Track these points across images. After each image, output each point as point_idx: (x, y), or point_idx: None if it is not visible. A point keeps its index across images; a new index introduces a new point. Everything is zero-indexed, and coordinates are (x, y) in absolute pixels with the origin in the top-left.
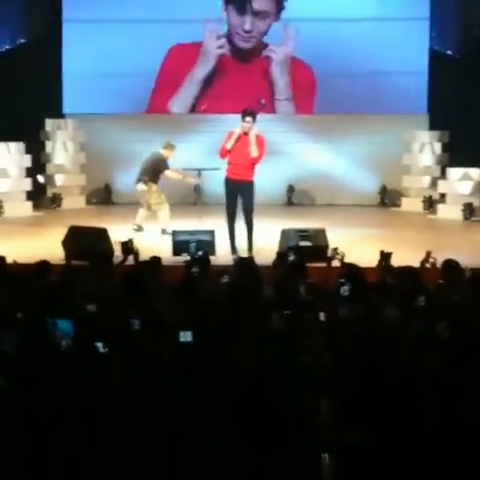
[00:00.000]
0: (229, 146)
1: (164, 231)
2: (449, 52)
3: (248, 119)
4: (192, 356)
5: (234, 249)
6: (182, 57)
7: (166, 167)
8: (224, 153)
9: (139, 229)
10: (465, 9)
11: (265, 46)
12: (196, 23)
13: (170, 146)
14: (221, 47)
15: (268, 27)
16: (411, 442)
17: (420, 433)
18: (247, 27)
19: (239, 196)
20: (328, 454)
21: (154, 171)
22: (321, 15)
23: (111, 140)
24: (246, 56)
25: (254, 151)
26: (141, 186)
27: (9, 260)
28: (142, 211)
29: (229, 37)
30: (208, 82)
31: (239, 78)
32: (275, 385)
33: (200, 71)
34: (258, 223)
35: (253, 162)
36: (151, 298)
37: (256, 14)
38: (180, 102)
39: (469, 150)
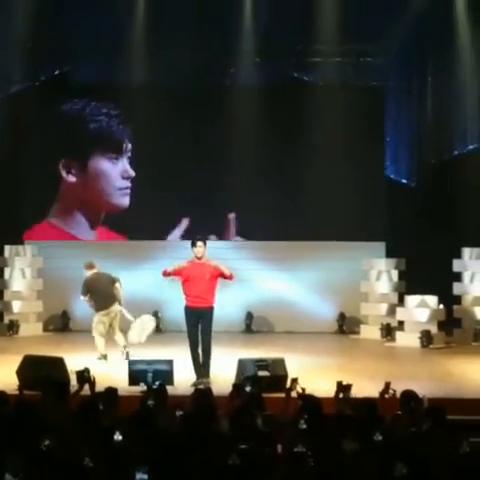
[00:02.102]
0: (170, 270)
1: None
2: (404, 181)
3: (199, 243)
4: None
5: (199, 373)
6: None
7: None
8: (165, 274)
9: (104, 357)
10: (418, 138)
11: None
12: None
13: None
14: None
15: None
16: None
17: None
18: None
19: (200, 322)
20: None
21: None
22: None
23: (69, 267)
24: None
25: (225, 270)
26: (119, 306)
27: None
28: (99, 339)
29: None
30: None
31: None
32: None
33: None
34: (216, 351)
35: (230, 278)
36: (106, 432)
37: None
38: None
39: (425, 277)
